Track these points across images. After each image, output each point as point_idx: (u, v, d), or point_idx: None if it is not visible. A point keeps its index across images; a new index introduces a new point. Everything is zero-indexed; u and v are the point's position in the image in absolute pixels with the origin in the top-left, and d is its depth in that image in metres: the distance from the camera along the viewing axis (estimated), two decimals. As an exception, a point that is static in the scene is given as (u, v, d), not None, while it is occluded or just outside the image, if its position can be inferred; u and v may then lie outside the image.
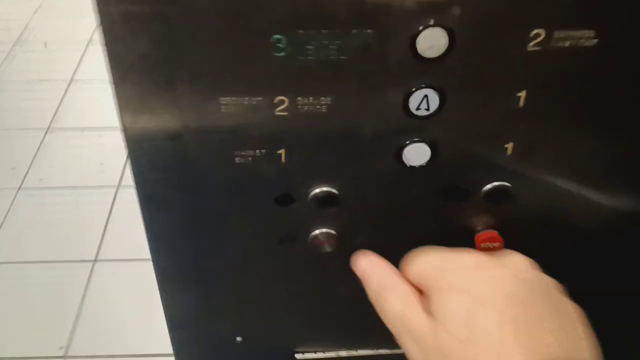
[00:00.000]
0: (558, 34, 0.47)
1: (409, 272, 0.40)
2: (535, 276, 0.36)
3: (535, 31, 0.46)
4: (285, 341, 0.74)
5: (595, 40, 0.47)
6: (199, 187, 0.55)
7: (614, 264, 0.65)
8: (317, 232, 0.60)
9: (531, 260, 0.39)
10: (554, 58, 0.48)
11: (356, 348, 0.74)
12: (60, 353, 1.74)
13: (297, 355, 0.75)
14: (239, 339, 0.72)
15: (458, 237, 0.59)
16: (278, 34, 0.46)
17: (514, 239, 0.61)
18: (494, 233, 0.61)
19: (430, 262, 0.39)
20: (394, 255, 0.50)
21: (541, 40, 0.47)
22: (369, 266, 0.43)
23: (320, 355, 0.75)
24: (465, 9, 0.45)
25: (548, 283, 0.37)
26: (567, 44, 0.47)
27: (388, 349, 0.70)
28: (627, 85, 0.50)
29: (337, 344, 0.75)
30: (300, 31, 0.45)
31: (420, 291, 0.39)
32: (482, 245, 0.61)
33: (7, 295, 1.84)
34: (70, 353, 1.74)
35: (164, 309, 0.68)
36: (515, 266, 0.38)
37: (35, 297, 1.86)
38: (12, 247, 1.98)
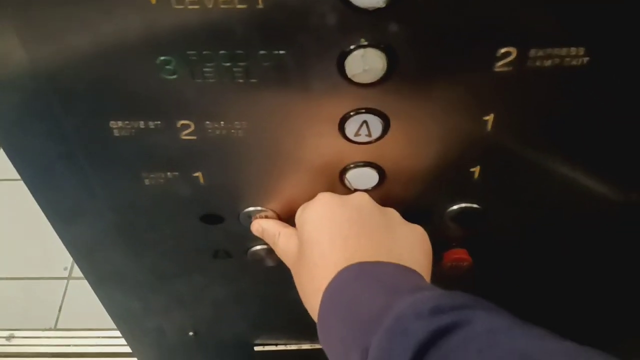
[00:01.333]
0: (535, 52, 0.35)
1: (296, 221, 0.45)
2: (370, 206, 0.43)
3: (504, 49, 0.35)
4: (243, 334, 0.69)
5: (584, 59, 0.36)
6: (110, 206, 0.48)
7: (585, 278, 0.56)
8: (257, 247, 0.53)
9: (369, 197, 0.43)
10: (530, 79, 0.37)
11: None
12: (65, 274, 1.75)
13: (256, 348, 0.70)
14: (191, 333, 0.67)
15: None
16: (165, 55, 0.35)
17: (485, 256, 0.53)
18: (462, 253, 0.52)
19: (300, 210, 0.45)
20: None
21: (512, 60, 0.36)
22: (259, 227, 0.48)
23: (281, 347, 0.70)
24: (407, 24, 0.34)
25: (385, 211, 0.43)
26: (546, 63, 0.36)
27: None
28: (613, 106, 0.39)
29: (299, 336, 0.70)
30: (192, 52, 0.35)
31: None
32: (449, 264, 0.53)
33: (12, 214, 1.83)
34: (75, 274, 1.75)
35: (102, 305, 0.62)
36: (355, 200, 0.43)
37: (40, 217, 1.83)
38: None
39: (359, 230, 0.41)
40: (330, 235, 0.41)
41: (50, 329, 1.57)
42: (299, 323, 0.65)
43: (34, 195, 0.47)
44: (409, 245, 0.42)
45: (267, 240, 0.48)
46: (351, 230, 0.41)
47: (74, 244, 0.52)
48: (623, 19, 0.34)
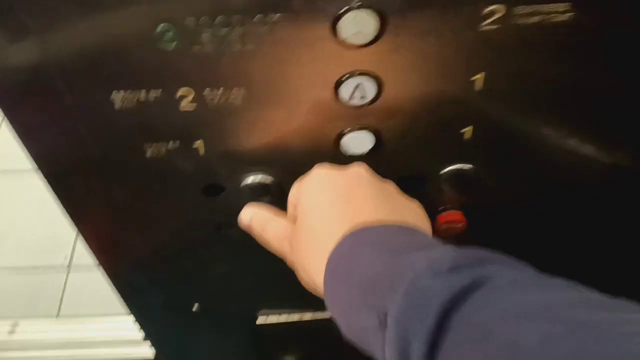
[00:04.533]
0: (520, 9, 0.36)
1: (289, 199, 0.45)
2: (369, 174, 0.43)
3: (489, 8, 0.36)
4: (246, 306, 0.70)
5: (570, 15, 0.37)
6: (115, 179, 0.49)
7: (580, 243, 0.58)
8: (257, 216, 0.54)
9: (368, 167, 0.45)
10: (516, 37, 0.38)
11: (322, 310, 0.70)
12: (66, 262, 1.76)
13: (259, 319, 0.72)
14: (195, 305, 0.69)
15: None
16: (164, 23, 0.36)
17: (480, 217, 0.54)
18: (457, 214, 0.54)
19: (296, 186, 0.45)
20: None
21: (499, 18, 0.37)
22: (248, 219, 0.48)
23: (284, 318, 0.72)
24: (398, -15, 0.35)
25: (383, 181, 0.44)
26: (532, 20, 0.37)
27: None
28: (599, 64, 0.40)
29: (301, 306, 0.71)
30: (190, 19, 0.36)
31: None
32: (443, 227, 0.54)
33: (12, 205, 1.84)
34: (75, 261, 1.76)
35: (108, 277, 0.64)
36: (354, 169, 0.44)
37: (39, 206, 1.85)
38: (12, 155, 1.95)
39: (360, 195, 0.41)
40: (331, 200, 0.41)
41: (53, 317, 1.58)
42: (302, 292, 0.67)
43: (44, 174, 0.47)
44: (409, 212, 0.42)
45: (255, 227, 0.48)
46: (351, 195, 0.41)
47: (81, 221, 0.53)
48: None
